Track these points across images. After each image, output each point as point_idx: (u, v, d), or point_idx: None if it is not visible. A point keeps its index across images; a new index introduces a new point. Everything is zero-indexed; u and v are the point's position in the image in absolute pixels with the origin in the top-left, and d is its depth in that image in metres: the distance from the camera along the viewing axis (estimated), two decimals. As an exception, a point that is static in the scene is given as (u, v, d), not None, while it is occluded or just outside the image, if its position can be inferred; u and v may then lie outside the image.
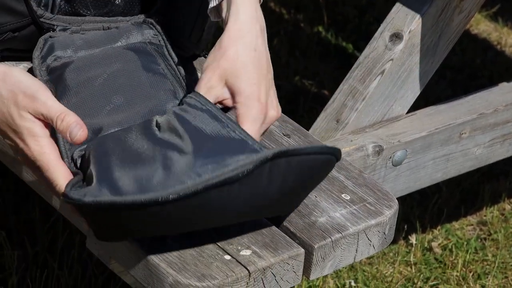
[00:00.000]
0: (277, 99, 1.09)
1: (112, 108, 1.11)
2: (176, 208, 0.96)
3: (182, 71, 1.20)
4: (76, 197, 0.97)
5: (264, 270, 1.03)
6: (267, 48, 1.10)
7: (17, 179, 1.18)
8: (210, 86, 1.07)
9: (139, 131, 1.04)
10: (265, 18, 1.14)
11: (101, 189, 0.98)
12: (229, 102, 1.07)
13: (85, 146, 1.07)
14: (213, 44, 1.11)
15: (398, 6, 1.41)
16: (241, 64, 1.06)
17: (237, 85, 1.06)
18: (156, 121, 1.05)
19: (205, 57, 1.31)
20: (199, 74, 1.28)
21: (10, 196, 1.74)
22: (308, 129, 1.36)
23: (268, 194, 1.00)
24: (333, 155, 1.03)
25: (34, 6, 1.18)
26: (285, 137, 1.21)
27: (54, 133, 1.05)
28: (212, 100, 1.08)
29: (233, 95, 1.07)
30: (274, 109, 1.08)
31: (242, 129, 1.03)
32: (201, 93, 1.08)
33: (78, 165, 1.06)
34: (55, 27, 1.20)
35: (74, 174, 1.04)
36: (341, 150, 1.03)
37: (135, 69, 1.16)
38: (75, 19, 1.21)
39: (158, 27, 1.24)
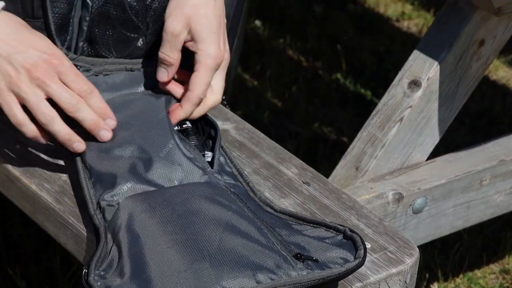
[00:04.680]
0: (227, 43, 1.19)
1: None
2: None
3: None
4: None
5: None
6: None
7: (39, 228, 1.18)
8: (177, 34, 1.16)
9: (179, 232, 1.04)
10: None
11: None
12: (191, 45, 1.16)
13: (115, 197, 1.08)
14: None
15: (416, 53, 1.42)
16: (203, 12, 1.16)
17: (199, 34, 1.16)
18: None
19: (225, 106, 1.33)
20: (218, 123, 1.29)
21: (31, 244, 1.75)
22: (327, 176, 1.36)
23: None
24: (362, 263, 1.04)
25: (59, 45, 1.20)
26: (305, 184, 1.21)
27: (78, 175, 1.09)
28: (179, 45, 1.16)
29: (194, 41, 1.16)
30: (228, 53, 1.19)
31: (278, 238, 1.05)
32: (168, 40, 1.15)
33: (105, 215, 1.07)
34: (78, 67, 1.22)
35: (96, 227, 1.05)
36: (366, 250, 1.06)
37: (157, 107, 1.19)
38: (97, 60, 1.23)
39: None
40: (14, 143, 1.20)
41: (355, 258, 1.04)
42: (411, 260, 1.11)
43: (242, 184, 1.14)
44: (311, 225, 1.09)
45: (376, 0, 2.63)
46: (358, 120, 2.18)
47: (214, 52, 1.16)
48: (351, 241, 1.06)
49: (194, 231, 1.03)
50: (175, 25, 1.16)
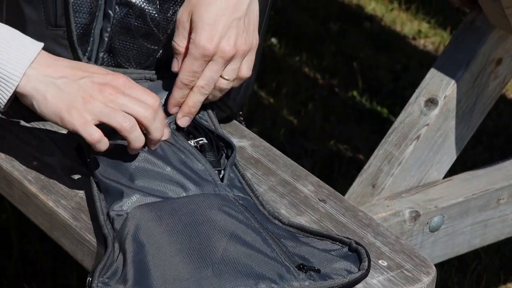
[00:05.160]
0: (241, 37, 1.17)
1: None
2: None
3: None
4: None
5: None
6: None
7: (55, 245, 1.18)
8: (183, 22, 1.17)
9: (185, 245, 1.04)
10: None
11: None
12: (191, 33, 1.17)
13: (124, 207, 1.08)
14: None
15: (433, 72, 1.42)
16: (206, 2, 1.15)
17: (195, 23, 1.16)
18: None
19: (241, 123, 1.33)
20: (233, 140, 1.29)
21: (48, 261, 1.75)
22: (343, 193, 1.36)
23: None
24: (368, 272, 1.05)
25: (80, 55, 1.21)
26: (321, 202, 1.21)
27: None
28: (186, 33, 1.16)
29: (191, 30, 1.17)
30: (230, 47, 1.16)
31: (281, 247, 1.06)
32: (177, 27, 1.16)
33: (114, 225, 1.08)
34: None
35: (105, 236, 1.06)
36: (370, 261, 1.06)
37: (172, 119, 1.20)
38: (117, 70, 1.24)
39: None
40: (31, 160, 1.21)
41: (359, 270, 1.04)
42: (428, 279, 1.11)
43: (251, 198, 1.14)
44: (318, 237, 1.10)
45: (392, 18, 2.63)
46: (374, 137, 2.17)
47: (201, 43, 1.15)
48: (356, 253, 1.07)
49: (200, 240, 1.04)
50: (181, 13, 1.17)
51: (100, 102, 1.08)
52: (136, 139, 1.10)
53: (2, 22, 1.20)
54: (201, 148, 1.19)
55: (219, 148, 1.20)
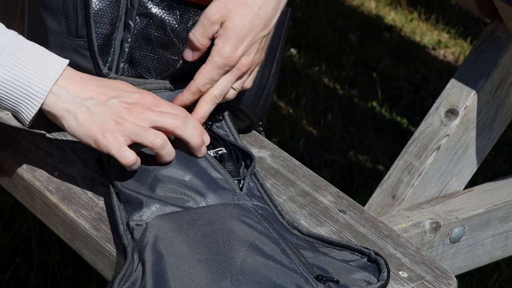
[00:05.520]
0: (259, 53, 1.19)
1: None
2: None
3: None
4: None
5: None
6: (276, 10, 1.19)
7: (75, 255, 1.19)
8: (212, 22, 1.17)
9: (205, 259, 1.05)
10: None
11: None
12: (215, 36, 1.18)
13: (143, 217, 1.09)
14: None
15: (453, 82, 1.42)
16: (242, 13, 1.16)
17: (226, 30, 1.16)
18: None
19: (260, 133, 1.33)
20: (253, 150, 1.29)
21: (68, 271, 1.76)
22: (363, 204, 1.36)
23: None
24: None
25: (101, 65, 1.22)
26: (341, 213, 1.21)
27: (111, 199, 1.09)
28: (210, 33, 1.17)
29: (219, 34, 1.17)
30: (249, 61, 1.18)
31: (299, 257, 1.06)
32: (203, 24, 1.17)
33: (134, 235, 1.08)
34: None
35: (124, 247, 1.06)
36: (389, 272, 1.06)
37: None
38: (138, 80, 1.25)
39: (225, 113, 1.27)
40: (53, 170, 1.22)
41: (378, 281, 1.04)
42: (448, 290, 1.10)
43: (270, 208, 1.14)
44: (337, 247, 1.10)
45: (412, 28, 2.63)
46: (394, 148, 2.17)
47: (226, 52, 1.16)
48: (375, 263, 1.07)
49: (218, 250, 1.04)
50: (213, 13, 1.17)
51: (130, 123, 1.09)
52: (167, 154, 1.12)
53: (24, 33, 1.21)
54: (220, 158, 1.19)
55: (239, 158, 1.20)
